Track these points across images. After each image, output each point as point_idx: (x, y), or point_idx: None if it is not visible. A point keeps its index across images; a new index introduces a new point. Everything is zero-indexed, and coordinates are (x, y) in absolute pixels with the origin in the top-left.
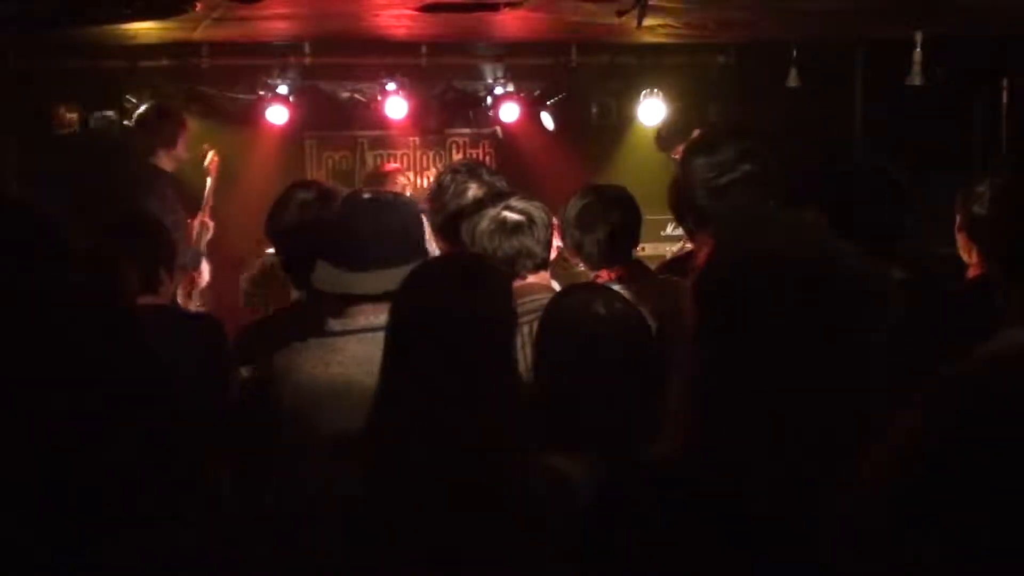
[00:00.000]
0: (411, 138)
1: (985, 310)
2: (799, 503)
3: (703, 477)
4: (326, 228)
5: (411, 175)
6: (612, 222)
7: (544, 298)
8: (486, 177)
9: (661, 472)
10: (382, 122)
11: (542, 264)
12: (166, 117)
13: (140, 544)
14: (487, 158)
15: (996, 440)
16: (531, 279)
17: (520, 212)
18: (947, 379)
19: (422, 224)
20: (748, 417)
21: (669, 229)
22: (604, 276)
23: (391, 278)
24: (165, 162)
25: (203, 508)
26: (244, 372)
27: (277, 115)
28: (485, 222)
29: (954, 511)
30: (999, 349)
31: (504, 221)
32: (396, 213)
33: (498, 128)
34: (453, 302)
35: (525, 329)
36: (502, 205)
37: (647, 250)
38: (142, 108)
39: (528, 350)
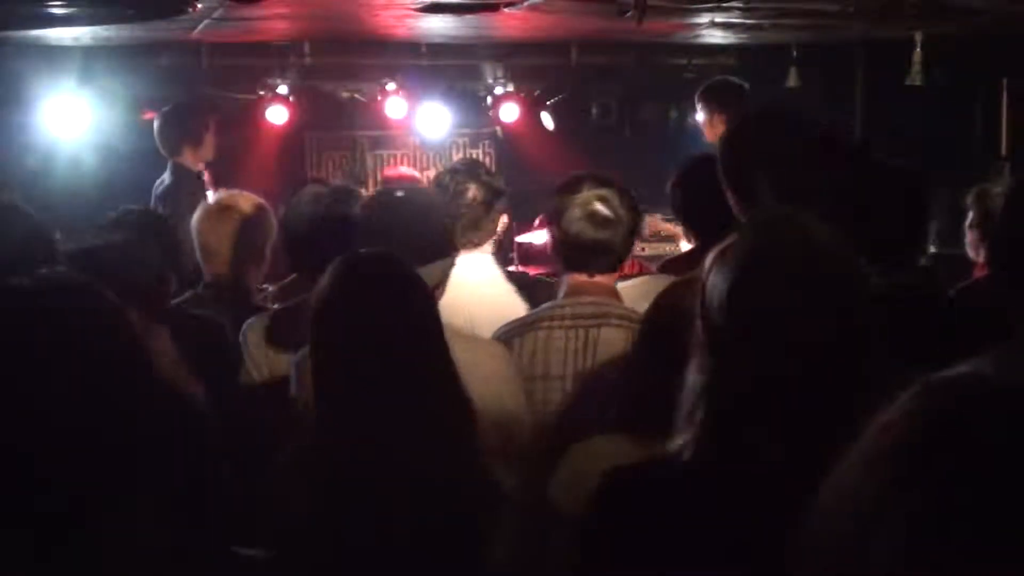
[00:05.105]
0: (411, 138)
1: (984, 315)
2: (808, 504)
3: (712, 476)
4: (362, 226)
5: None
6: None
7: (606, 304)
8: (484, 177)
9: (670, 471)
10: (382, 122)
11: (615, 265)
12: (190, 115)
13: (125, 545)
14: (487, 158)
15: (971, 455)
16: (599, 278)
17: (611, 208)
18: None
19: (446, 219)
20: (757, 416)
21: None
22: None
23: (428, 274)
24: (191, 159)
25: (201, 509)
26: (256, 375)
27: (277, 115)
28: (576, 209)
29: (922, 519)
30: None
31: (595, 214)
32: (430, 208)
33: (498, 128)
34: (383, 305)
35: (581, 333)
36: (595, 194)
37: (647, 250)
38: (166, 107)
39: (579, 357)
